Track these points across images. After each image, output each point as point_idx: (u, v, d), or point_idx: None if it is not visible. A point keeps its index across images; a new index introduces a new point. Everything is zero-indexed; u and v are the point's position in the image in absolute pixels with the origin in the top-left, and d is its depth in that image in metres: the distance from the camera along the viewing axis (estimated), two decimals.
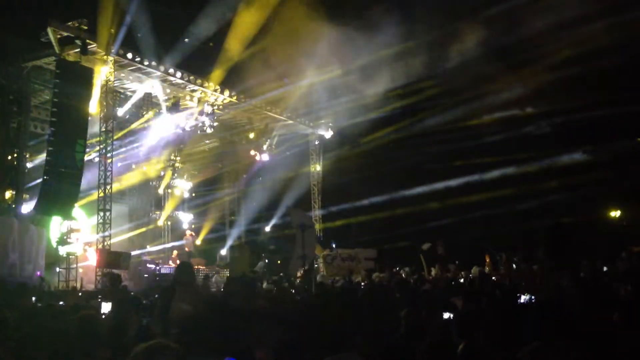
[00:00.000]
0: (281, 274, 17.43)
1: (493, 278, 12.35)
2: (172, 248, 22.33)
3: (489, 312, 4.56)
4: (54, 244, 16.62)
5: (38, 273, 14.59)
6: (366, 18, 18.08)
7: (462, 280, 13.64)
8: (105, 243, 16.42)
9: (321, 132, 23.88)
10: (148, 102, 19.29)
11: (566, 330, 3.05)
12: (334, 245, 22.30)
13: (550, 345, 2.69)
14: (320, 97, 21.32)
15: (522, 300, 6.57)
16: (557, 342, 2.73)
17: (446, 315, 4.64)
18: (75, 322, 5.30)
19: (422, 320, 4.93)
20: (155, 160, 22.82)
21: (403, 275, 15.41)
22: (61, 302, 9.93)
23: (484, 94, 19.75)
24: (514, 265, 14.69)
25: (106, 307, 6.38)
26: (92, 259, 17.27)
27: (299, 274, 16.59)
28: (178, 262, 17.83)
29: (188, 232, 23.39)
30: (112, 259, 15.75)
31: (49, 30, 15.02)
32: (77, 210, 17.96)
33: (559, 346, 2.66)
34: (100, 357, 4.47)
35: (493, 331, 3.87)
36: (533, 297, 6.39)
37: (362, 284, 14.23)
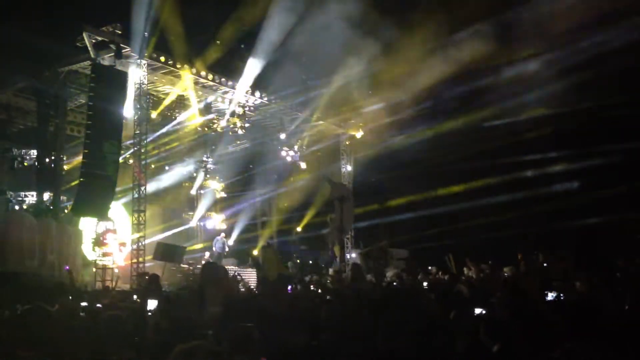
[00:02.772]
0: (313, 275, 17.47)
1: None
2: (205, 249, 22.57)
3: (522, 314, 4.51)
4: (90, 245, 16.94)
5: (67, 267, 14.80)
6: (398, 17, 18.02)
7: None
8: (140, 244, 16.69)
9: (352, 132, 23.85)
10: (180, 104, 19.54)
11: (600, 331, 3.00)
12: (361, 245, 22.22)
13: (584, 345, 2.65)
14: (351, 97, 21.30)
15: (549, 298, 6.46)
16: (591, 343, 2.69)
17: (478, 311, 4.58)
18: (103, 322, 5.40)
19: (450, 320, 4.90)
20: (187, 162, 23.15)
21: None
22: (98, 305, 10.09)
23: (519, 91, 19.45)
24: (544, 264, 14.42)
25: (152, 304, 6.46)
26: (125, 258, 17.55)
27: (331, 272, 16.60)
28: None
29: (221, 234, 23.63)
30: (167, 252, 15.93)
31: (84, 35, 15.36)
32: (120, 208, 18.35)
33: (593, 347, 2.62)
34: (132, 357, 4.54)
35: (526, 332, 3.83)
36: (562, 295, 6.27)
37: (394, 284, 14.14)
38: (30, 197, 18.23)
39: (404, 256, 21.79)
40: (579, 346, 2.48)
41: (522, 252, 15.32)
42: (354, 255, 22.40)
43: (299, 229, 25.05)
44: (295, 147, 22.86)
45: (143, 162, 17.17)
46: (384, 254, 21.10)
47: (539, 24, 17.46)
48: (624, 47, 16.63)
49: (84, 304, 8.50)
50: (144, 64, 16.62)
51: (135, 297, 10.62)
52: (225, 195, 24.99)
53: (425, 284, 12.02)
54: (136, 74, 16.54)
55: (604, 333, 2.99)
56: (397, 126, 22.07)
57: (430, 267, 16.55)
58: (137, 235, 16.71)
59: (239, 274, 15.03)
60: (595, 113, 18.75)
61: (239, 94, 19.36)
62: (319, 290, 11.65)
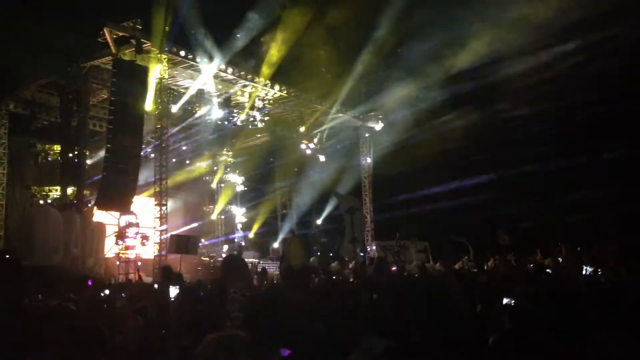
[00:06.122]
0: (334, 264, 17.54)
1: (548, 270, 12.03)
2: (225, 241, 22.74)
3: (550, 302, 4.48)
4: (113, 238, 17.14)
5: (90, 282, 14.85)
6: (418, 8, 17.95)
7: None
8: (162, 237, 16.85)
9: (371, 124, 23.79)
10: (201, 98, 19.64)
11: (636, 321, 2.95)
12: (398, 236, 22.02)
13: (619, 336, 2.61)
14: (370, 89, 21.28)
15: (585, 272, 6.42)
16: (627, 333, 2.64)
17: (506, 301, 4.56)
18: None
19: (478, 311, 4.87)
20: (208, 155, 23.29)
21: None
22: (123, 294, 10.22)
23: (547, 79, 19.21)
24: (559, 259, 14.29)
25: (174, 292, 6.54)
26: (148, 252, 17.73)
27: (352, 264, 16.62)
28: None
29: (239, 226, 23.80)
30: (180, 243, 16.07)
31: (105, 30, 15.49)
32: (147, 201, 18.52)
33: (629, 338, 2.57)
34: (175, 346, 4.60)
35: (553, 321, 3.80)
36: (599, 270, 6.20)
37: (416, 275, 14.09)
38: (55, 192, 18.50)
39: (424, 248, 21.68)
40: (613, 336, 2.44)
41: (543, 245, 15.20)
42: (374, 247, 22.36)
43: (319, 221, 25.06)
44: (315, 140, 22.87)
45: (164, 156, 17.31)
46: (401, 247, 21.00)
47: None
48: None
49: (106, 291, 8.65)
50: (165, 59, 16.72)
51: (155, 286, 10.73)
52: (246, 189, 25.11)
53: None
54: (157, 68, 16.65)
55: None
56: (417, 117, 21.98)
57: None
58: (159, 228, 16.89)
59: (263, 268, 15.12)
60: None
61: (259, 87, 19.40)
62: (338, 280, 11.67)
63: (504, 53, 18.81)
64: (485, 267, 13.82)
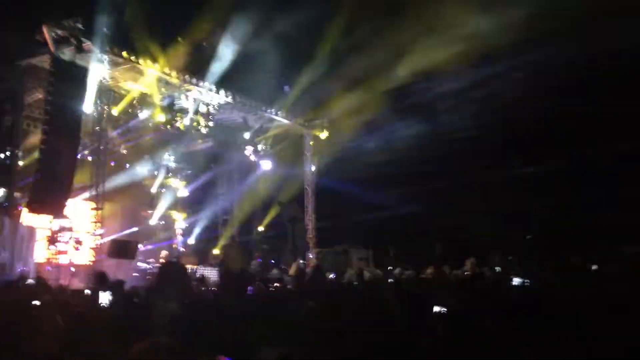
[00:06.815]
0: (274, 271, 17.51)
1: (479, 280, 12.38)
2: (164, 247, 22.30)
3: (483, 310, 4.59)
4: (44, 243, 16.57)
5: (19, 269, 14.40)
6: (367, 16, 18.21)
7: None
8: (96, 242, 16.41)
9: (316, 132, 23.86)
10: (143, 102, 19.25)
11: (562, 330, 3.05)
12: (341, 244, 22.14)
13: (554, 345, 2.68)
14: (316, 97, 21.40)
15: (514, 283, 6.63)
16: (557, 342, 2.72)
17: (437, 309, 4.65)
18: (66, 320, 5.28)
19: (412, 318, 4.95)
20: (148, 159, 22.81)
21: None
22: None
23: (488, 92, 19.78)
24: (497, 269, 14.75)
25: (104, 297, 6.35)
26: (82, 257, 17.24)
27: (292, 272, 16.63)
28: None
29: (178, 232, 23.41)
30: (119, 248, 15.69)
31: (44, 28, 14.98)
32: (81, 204, 17.98)
33: (559, 346, 2.65)
34: (100, 353, 4.46)
35: (488, 329, 3.89)
36: (527, 281, 6.43)
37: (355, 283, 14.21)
38: None
39: (365, 256, 21.92)
40: (548, 345, 2.52)
41: (478, 255, 15.66)
42: (313, 255, 22.42)
43: (260, 227, 24.94)
44: (259, 146, 22.76)
45: (102, 159, 16.87)
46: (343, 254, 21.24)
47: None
48: None
49: (36, 302, 8.31)
50: (106, 60, 16.29)
51: (87, 291, 10.44)
52: (187, 194, 24.72)
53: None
54: (97, 69, 16.20)
55: (571, 332, 3.04)
56: (361, 127, 22.26)
57: (390, 267, 16.76)
58: (94, 233, 16.45)
59: (202, 275, 14.93)
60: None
61: (203, 92, 19.17)
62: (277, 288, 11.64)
63: (448, 65, 19.28)
64: (422, 276, 14.07)
